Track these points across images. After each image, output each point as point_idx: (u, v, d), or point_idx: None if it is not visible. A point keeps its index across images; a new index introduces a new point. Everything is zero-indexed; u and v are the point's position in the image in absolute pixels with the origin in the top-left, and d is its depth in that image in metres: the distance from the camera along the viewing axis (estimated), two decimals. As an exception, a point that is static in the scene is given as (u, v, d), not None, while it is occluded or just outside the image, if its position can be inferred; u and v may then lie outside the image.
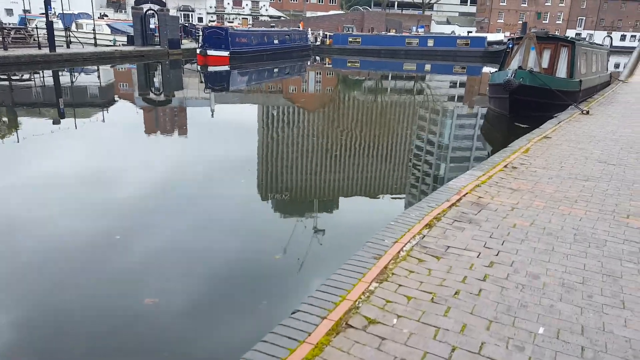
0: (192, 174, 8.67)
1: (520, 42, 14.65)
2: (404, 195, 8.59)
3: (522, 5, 77.19)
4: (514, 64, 14.43)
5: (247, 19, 79.75)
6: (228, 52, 31.73)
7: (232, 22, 74.44)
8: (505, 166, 7.43)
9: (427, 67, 41.32)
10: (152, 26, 36.37)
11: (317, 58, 45.27)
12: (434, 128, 15.05)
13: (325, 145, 11.57)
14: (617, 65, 39.58)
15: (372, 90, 26.28)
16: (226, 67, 30.80)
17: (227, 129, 13.58)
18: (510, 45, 16.10)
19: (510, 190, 6.32)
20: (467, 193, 6.14)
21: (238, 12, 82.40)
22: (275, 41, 38.95)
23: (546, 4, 77.71)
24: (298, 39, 43.99)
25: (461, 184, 6.51)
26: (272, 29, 45.61)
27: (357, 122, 15.66)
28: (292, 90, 24.33)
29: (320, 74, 34.21)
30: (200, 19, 77.44)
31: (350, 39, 50.01)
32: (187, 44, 39.04)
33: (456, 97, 25.13)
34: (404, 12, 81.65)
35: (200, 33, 32.68)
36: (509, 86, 12.99)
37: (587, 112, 12.66)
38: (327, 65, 40.25)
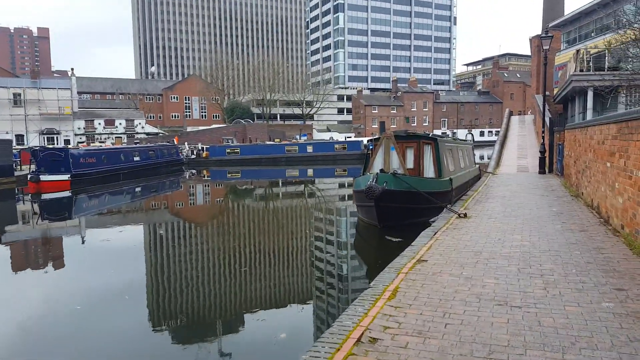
0: (67, 312, 7.55)
1: (378, 142, 12.76)
2: (311, 300, 7.95)
3: (392, 111, 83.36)
4: (376, 166, 12.35)
5: (121, 137, 75.58)
6: (69, 175, 27.29)
7: (104, 141, 70.04)
8: (359, 339, 4.36)
9: (310, 172, 40.51)
10: None
11: (194, 171, 42.32)
12: (330, 228, 14.63)
13: (222, 258, 10.93)
14: (482, 157, 42.17)
15: (262, 198, 25.37)
16: (67, 193, 26.17)
17: (105, 256, 11.93)
18: (370, 147, 14.07)
19: (357, 412, 3.20)
20: None
21: (111, 132, 78.05)
22: (136, 158, 35.17)
23: (412, 109, 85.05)
24: (167, 154, 40.83)
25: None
26: (135, 145, 42.17)
27: (251, 231, 15.07)
28: (178, 205, 22.81)
29: (207, 186, 32.25)
30: (67, 141, 71.73)
31: (229, 150, 48.32)
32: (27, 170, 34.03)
33: (345, 197, 23.73)
34: (287, 122, 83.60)
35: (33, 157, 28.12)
36: (372, 193, 10.68)
37: (465, 215, 10.61)
38: (205, 178, 37.61)
